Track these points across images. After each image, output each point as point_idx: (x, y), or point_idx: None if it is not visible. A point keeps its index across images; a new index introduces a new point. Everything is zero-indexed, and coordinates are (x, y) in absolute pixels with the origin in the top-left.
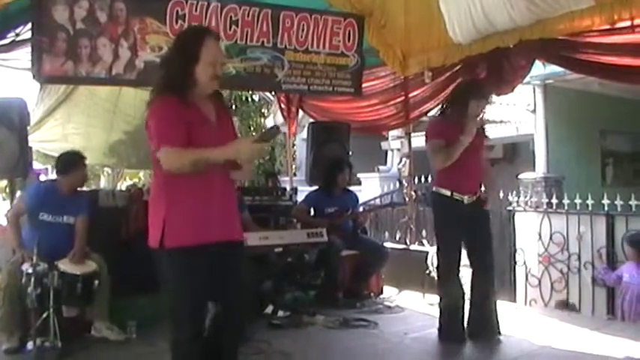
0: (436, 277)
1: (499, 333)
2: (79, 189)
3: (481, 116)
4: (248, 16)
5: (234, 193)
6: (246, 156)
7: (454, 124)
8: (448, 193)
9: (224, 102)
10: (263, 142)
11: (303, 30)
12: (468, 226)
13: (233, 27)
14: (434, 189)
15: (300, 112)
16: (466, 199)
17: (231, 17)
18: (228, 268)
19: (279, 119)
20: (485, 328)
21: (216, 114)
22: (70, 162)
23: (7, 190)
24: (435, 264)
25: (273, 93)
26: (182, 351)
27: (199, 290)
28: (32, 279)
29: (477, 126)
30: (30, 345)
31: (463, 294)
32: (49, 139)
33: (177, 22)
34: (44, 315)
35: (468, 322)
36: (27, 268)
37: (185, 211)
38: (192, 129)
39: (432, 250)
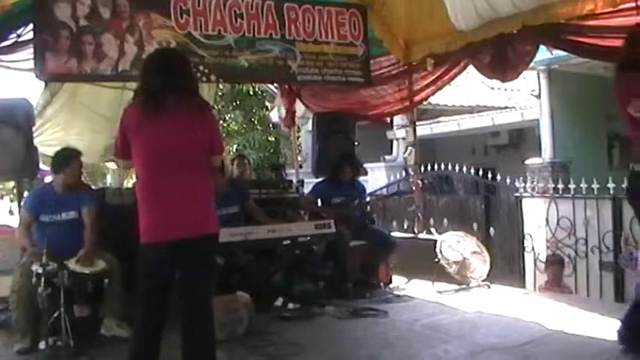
0: None
1: None
2: (77, 185)
3: None
4: (252, 9)
5: None
6: None
7: None
8: None
9: None
10: None
11: (309, 21)
12: None
13: (239, 20)
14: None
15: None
16: None
17: (235, 11)
18: None
19: (283, 112)
20: None
21: None
22: (62, 160)
23: (15, 191)
24: None
25: (276, 85)
26: None
27: None
28: (42, 279)
29: None
30: (42, 345)
31: None
32: (51, 143)
33: (182, 17)
34: (55, 315)
35: None
36: (37, 268)
37: None
38: None
39: (440, 238)
